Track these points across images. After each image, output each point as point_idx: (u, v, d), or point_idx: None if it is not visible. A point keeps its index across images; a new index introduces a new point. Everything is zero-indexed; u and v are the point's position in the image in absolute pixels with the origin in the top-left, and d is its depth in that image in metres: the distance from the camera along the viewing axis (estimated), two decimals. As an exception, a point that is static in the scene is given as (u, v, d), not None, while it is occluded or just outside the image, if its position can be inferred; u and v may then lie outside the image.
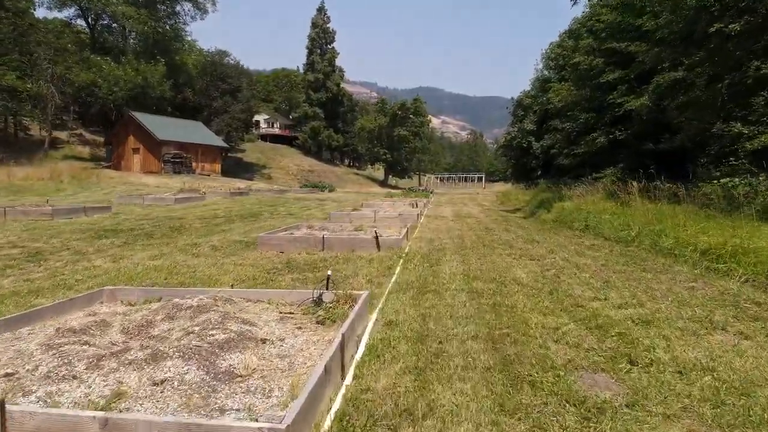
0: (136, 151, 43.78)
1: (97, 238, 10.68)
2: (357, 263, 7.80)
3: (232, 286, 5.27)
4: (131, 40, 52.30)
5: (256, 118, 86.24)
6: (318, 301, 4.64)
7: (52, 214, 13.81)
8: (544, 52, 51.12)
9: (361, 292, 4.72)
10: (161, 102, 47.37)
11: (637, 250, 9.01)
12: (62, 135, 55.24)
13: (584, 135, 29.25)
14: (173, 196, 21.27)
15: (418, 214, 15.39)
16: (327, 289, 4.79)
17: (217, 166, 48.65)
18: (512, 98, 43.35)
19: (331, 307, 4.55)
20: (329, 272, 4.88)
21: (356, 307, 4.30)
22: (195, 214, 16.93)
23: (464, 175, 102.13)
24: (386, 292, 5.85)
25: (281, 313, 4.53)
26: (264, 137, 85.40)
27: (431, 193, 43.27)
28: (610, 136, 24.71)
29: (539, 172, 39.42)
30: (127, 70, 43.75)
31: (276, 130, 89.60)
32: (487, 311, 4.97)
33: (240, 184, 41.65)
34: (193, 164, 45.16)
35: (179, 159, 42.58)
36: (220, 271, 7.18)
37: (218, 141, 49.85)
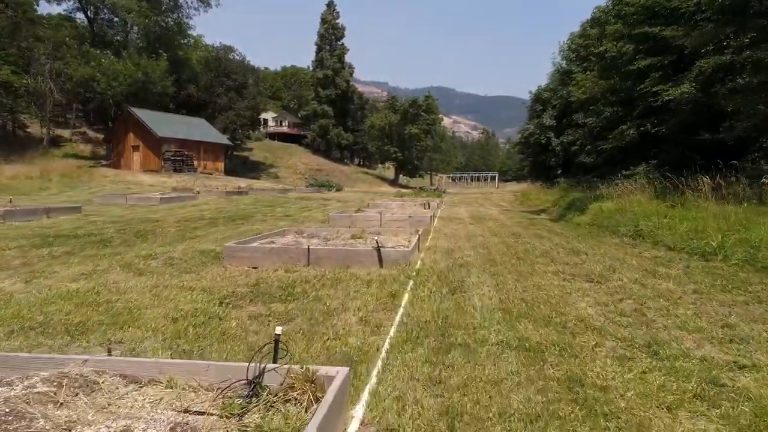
0: (135, 148, 42.03)
1: (37, 247, 8.64)
2: (349, 286, 5.64)
3: (109, 351, 3.11)
4: (132, 35, 50.64)
5: (264, 116, 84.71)
6: (254, 387, 2.50)
7: (4, 217, 11.83)
8: (562, 43, 48.63)
9: (336, 371, 2.56)
10: (163, 98, 45.62)
11: (726, 267, 6.73)
12: (65, 133, 54.00)
13: (610, 129, 27.08)
14: (160, 195, 19.30)
15: (431, 217, 13.21)
16: (274, 361, 2.65)
17: (221, 165, 46.79)
18: (530, 92, 40.94)
19: (275, 401, 2.41)
20: (279, 331, 2.71)
21: (322, 409, 2.17)
22: (177, 215, 14.90)
23: (477, 175, 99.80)
24: (385, 346, 3.69)
25: (185, 411, 2.40)
26: (272, 136, 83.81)
27: (444, 192, 41.05)
28: (641, 129, 22.46)
29: (559, 171, 37.00)
30: (127, 65, 42.02)
31: (284, 129, 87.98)
32: (563, 399, 2.78)
33: (242, 183, 39.76)
34: (195, 162, 43.30)
35: (180, 157, 40.73)
36: (155, 301, 5.06)
37: (222, 138, 47.97)
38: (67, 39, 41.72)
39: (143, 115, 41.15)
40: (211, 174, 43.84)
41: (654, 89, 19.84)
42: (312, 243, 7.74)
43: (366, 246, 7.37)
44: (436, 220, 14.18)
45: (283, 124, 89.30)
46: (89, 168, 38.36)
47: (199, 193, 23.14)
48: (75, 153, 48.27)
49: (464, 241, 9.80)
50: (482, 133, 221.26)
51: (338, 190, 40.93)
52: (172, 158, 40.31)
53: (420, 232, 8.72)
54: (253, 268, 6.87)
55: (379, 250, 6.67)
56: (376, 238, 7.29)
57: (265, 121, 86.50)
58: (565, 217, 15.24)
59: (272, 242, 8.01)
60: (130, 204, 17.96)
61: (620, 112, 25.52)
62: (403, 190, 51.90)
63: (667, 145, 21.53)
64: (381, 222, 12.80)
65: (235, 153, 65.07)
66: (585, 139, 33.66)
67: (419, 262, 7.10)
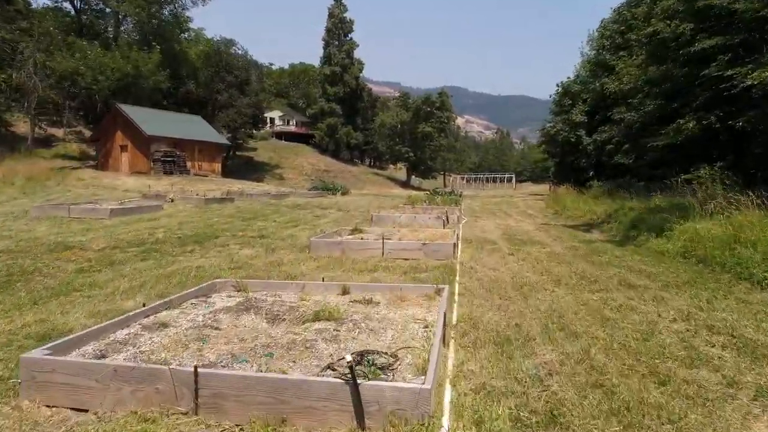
0: (123, 148, 38.62)
1: None
2: None
3: None
4: (126, 27, 47.29)
5: (271, 115, 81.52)
6: None
7: None
8: (592, 32, 44.43)
9: None
10: (155, 94, 42.15)
11: None
12: (59, 132, 51.24)
13: (658, 125, 23.17)
14: (111, 206, 15.58)
15: (454, 245, 9.28)
16: None
17: (217, 166, 43.19)
18: (557, 85, 36.73)
19: None
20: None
21: None
22: (114, 236, 11.17)
23: (493, 176, 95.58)
24: None
25: None
26: (279, 135, 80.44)
27: (460, 196, 37.06)
28: (704, 122, 18.54)
29: (591, 173, 32.85)
30: (115, 57, 38.56)
31: (292, 128, 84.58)
32: None
33: (238, 185, 36.13)
34: (189, 163, 39.78)
35: (171, 158, 37.18)
36: None
37: (219, 137, 44.35)
38: (52, 29, 38.43)
39: (131, 111, 37.71)
40: (206, 176, 40.32)
41: (727, 73, 15.84)
42: (237, 331, 3.90)
43: (333, 350, 3.51)
44: (459, 244, 10.24)
45: (291, 123, 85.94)
46: (71, 170, 35.05)
47: (172, 200, 19.47)
48: (66, 153, 45.22)
49: (517, 299, 5.87)
50: (496, 132, 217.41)
51: (344, 193, 37.12)
52: (162, 159, 36.79)
53: (444, 293, 4.83)
54: (80, 410, 3.06)
55: (357, 384, 2.79)
56: (349, 358, 3.33)
57: (272, 120, 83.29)
58: (634, 240, 11.19)
59: (161, 327, 4.16)
60: (73, 217, 14.28)
61: (674, 103, 21.55)
62: (415, 193, 47.88)
63: (747, 141, 17.50)
64: (383, 252, 8.93)
65: (237, 153, 61.88)
66: (623, 136, 29.63)
67: (449, 397, 3.21)
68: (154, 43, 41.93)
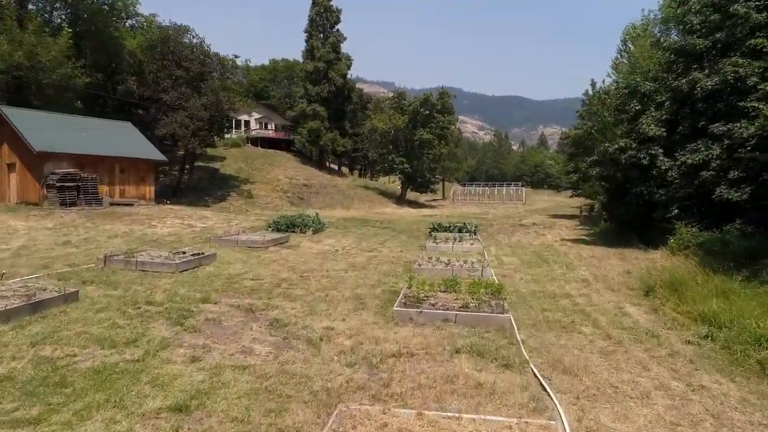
0: (11, 168, 27.93)
1: None
2: None
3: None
4: (34, 6, 36.45)
5: (246, 118, 70.84)
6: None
7: None
8: (647, 13, 34.06)
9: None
10: (61, 92, 31.37)
11: None
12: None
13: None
14: None
15: None
16: None
17: (149, 190, 32.47)
18: (617, 81, 26.27)
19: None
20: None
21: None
22: None
23: (495, 185, 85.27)
24: None
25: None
26: (255, 141, 69.86)
27: (475, 233, 26.72)
28: None
29: (674, 211, 22.48)
30: (-1, 42, 27.82)
31: (270, 133, 73.97)
32: None
33: (169, 222, 25.53)
34: (106, 188, 29.11)
35: (72, 182, 26.50)
36: None
37: (151, 151, 33.55)
38: None
39: (17, 117, 26.96)
40: (131, 204, 29.60)
41: None
42: None
43: None
44: None
45: (269, 127, 75.24)
46: None
47: None
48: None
49: None
50: (494, 134, 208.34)
51: (316, 231, 26.34)
52: (59, 184, 26.07)
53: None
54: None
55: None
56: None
57: (247, 123, 72.60)
58: None
59: None
60: None
61: None
62: (413, 211, 37.69)
63: None
64: None
65: (199, 164, 51.36)
66: (729, 157, 19.38)
67: None
68: (63, 25, 31.08)
